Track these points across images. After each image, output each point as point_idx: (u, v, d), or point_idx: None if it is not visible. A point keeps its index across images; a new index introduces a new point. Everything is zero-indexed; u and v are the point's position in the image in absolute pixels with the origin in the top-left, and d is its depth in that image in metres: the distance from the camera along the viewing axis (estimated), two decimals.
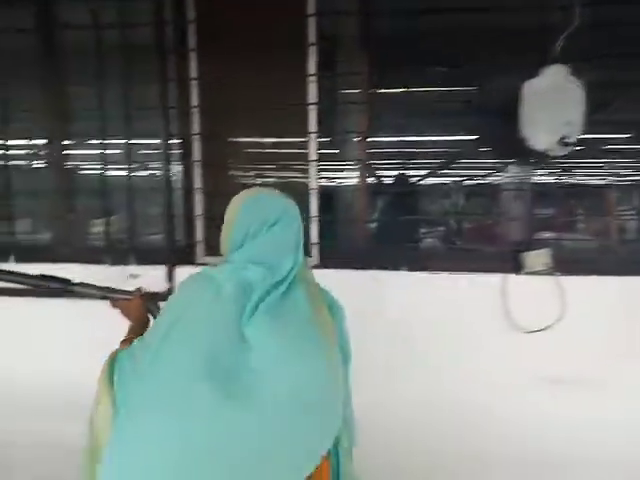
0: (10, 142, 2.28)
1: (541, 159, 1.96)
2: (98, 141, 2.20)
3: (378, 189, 2.28)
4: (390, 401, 2.01)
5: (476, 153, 2.30)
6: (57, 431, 1.85)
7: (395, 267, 2.05)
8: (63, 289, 1.27)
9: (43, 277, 1.26)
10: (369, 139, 2.13)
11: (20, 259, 2.27)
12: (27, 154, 2.41)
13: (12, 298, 2.15)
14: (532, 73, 1.85)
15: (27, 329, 2.21)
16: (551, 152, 1.84)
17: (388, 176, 2.33)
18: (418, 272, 2.04)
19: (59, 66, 2.27)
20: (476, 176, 2.36)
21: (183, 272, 2.09)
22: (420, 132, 2.24)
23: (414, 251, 2.25)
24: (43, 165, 2.40)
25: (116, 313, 1.25)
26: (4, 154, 2.27)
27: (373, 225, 2.24)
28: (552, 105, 1.75)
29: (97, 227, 2.40)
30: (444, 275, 2.02)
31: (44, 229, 2.46)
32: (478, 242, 2.38)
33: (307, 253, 2.15)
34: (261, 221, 1.05)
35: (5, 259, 2.24)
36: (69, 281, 1.28)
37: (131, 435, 0.83)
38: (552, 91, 1.74)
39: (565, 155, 1.87)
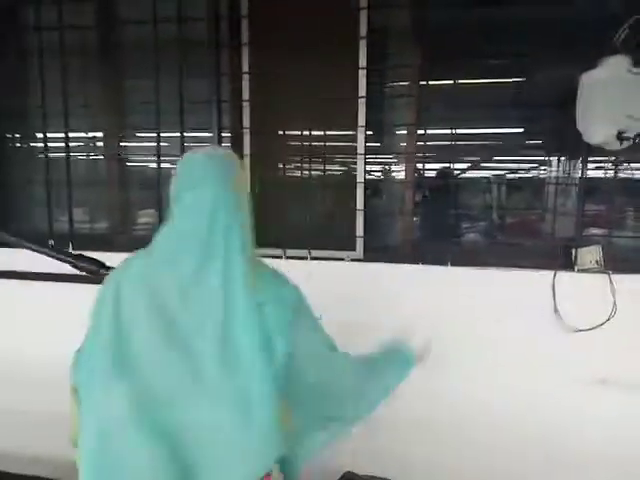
0: (70, 135, 2.37)
1: (594, 153, 1.92)
2: (152, 134, 2.27)
3: (424, 183, 2.27)
4: (433, 398, 2.02)
5: (524, 146, 2.26)
6: None
7: (439, 262, 2.05)
8: (96, 272, 1.31)
9: (80, 257, 1.33)
10: (417, 132, 2.13)
11: (78, 247, 2.38)
12: (85, 146, 2.51)
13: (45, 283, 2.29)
14: (589, 64, 1.81)
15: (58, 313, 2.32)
16: (607, 146, 1.80)
17: (434, 169, 2.32)
18: (462, 267, 2.03)
19: (117, 61, 2.37)
20: (522, 169, 2.32)
21: None
22: (468, 125, 2.21)
23: (458, 246, 2.24)
24: (100, 157, 2.51)
25: None
26: (65, 146, 2.36)
27: (418, 219, 2.23)
28: (612, 97, 1.70)
29: (150, 217, 2.50)
30: (489, 271, 2.01)
31: (101, 219, 2.57)
32: (522, 237, 2.34)
33: (350, 246, 2.18)
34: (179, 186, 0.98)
35: (65, 247, 2.35)
36: (103, 264, 1.32)
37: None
38: (612, 83, 1.69)
39: (619, 150, 1.82)
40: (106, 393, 0.91)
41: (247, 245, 1.00)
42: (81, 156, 2.51)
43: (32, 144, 2.62)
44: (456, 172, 2.24)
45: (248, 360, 0.92)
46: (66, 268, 1.42)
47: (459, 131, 2.13)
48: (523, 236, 2.37)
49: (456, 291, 2.01)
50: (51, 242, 2.37)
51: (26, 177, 2.57)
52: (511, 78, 2.19)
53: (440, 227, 2.26)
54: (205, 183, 0.96)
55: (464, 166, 2.28)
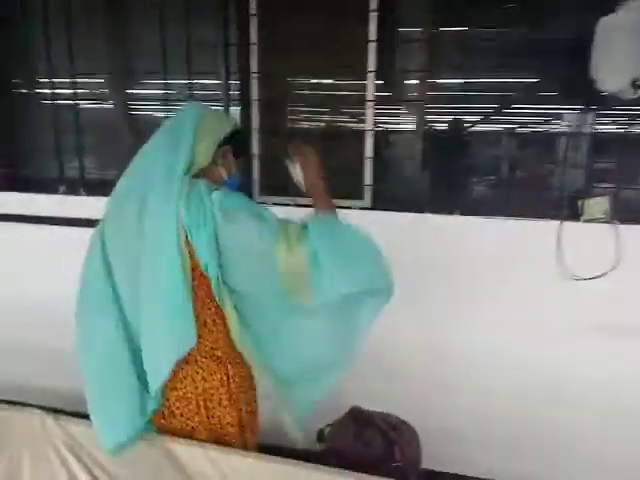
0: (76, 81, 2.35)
1: (609, 103, 1.88)
2: (159, 81, 2.24)
3: (433, 133, 2.25)
4: (436, 347, 2.09)
5: (536, 97, 2.21)
6: None
7: (448, 211, 2.06)
8: None
9: None
10: (427, 80, 2.09)
11: (89, 192, 2.41)
12: (91, 93, 2.49)
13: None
14: (608, 9, 1.75)
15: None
16: (621, 95, 1.76)
17: (444, 120, 2.29)
18: (470, 216, 2.04)
19: (123, 7, 2.31)
20: (534, 122, 2.28)
21: None
22: (480, 74, 2.16)
23: (467, 195, 2.24)
24: (107, 104, 2.50)
25: None
26: (73, 93, 2.35)
27: (427, 169, 2.22)
28: (629, 43, 1.65)
29: None
30: (498, 220, 2.02)
31: (109, 165, 2.58)
32: (531, 190, 2.33)
33: (358, 195, 2.19)
34: None
35: (76, 192, 2.38)
36: None
37: None
38: (631, 28, 1.65)
39: (634, 99, 1.79)
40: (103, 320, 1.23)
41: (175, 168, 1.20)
42: (87, 103, 2.49)
43: (38, 90, 2.60)
44: (467, 124, 2.20)
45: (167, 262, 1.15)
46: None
47: (471, 81, 2.08)
48: (532, 188, 2.36)
49: (463, 240, 2.03)
50: (62, 188, 2.40)
51: (34, 123, 2.57)
52: (525, 25, 2.12)
53: (449, 178, 2.25)
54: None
55: (475, 118, 2.24)
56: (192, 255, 1.16)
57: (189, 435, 1.23)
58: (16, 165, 2.59)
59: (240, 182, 1.41)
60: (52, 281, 2.34)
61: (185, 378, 1.22)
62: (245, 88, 2.19)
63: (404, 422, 1.63)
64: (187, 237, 1.15)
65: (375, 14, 1.99)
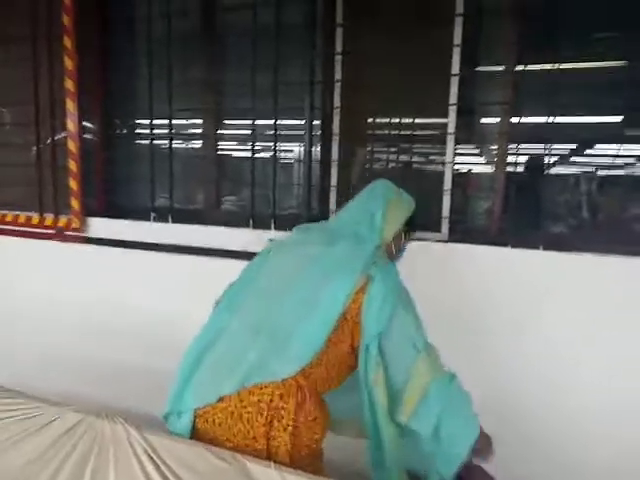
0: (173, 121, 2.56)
1: None
2: (247, 120, 2.38)
3: (514, 168, 2.19)
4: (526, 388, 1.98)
5: (622, 136, 2.09)
6: None
7: (530, 246, 1.98)
8: None
9: None
10: (509, 118, 2.06)
11: (176, 220, 2.57)
12: (185, 132, 2.69)
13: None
14: None
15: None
16: None
17: (525, 155, 2.23)
18: (555, 251, 1.95)
19: (217, 46, 2.51)
20: (618, 164, 2.15)
21: None
22: (563, 112, 2.08)
23: (550, 231, 2.14)
24: (199, 140, 2.69)
25: None
26: (169, 130, 2.55)
27: (507, 204, 2.16)
28: None
29: (242, 195, 2.63)
30: (584, 256, 1.90)
31: (195, 197, 2.75)
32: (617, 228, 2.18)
33: (435, 228, 2.17)
34: None
35: (165, 220, 2.55)
36: None
37: None
38: None
39: None
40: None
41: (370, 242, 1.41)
42: (180, 141, 2.69)
43: (137, 128, 2.85)
44: (548, 161, 2.13)
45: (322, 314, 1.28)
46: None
47: (554, 119, 2.02)
48: (617, 227, 2.21)
49: (546, 276, 1.93)
50: (153, 215, 2.58)
51: (130, 158, 2.81)
52: (613, 60, 2.04)
53: (531, 213, 2.17)
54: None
55: (559, 154, 2.16)
56: (354, 319, 1.29)
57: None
58: (113, 194, 2.82)
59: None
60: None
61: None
62: (327, 122, 2.27)
63: None
64: (361, 305, 1.28)
65: (458, 49, 2.01)
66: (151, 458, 1.25)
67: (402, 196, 1.57)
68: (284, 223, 2.33)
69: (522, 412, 1.93)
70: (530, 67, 2.04)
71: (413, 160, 2.22)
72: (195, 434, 1.32)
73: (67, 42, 2.56)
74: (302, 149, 2.34)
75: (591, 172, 2.12)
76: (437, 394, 1.26)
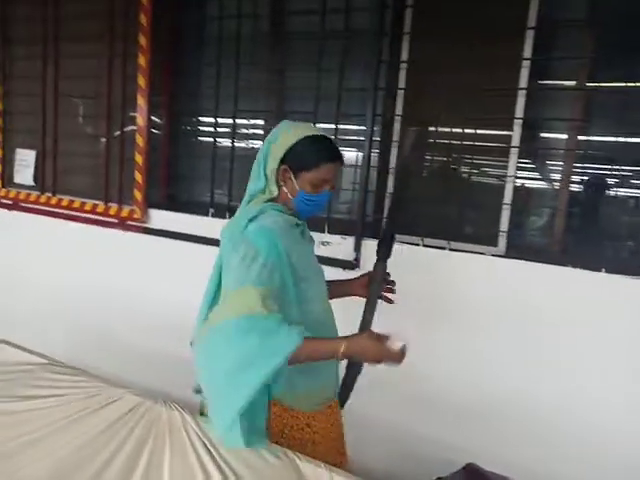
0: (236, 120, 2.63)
1: None
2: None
3: (578, 186, 2.13)
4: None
5: None
6: None
7: (592, 267, 1.92)
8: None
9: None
10: (577, 135, 2.01)
11: (216, 215, 2.64)
12: (247, 133, 2.76)
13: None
14: None
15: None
16: None
17: (591, 172, 2.16)
18: (618, 275, 1.88)
19: (282, 49, 2.57)
20: None
21: (369, 244, 2.24)
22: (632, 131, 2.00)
23: (614, 253, 2.07)
24: (259, 141, 2.75)
25: None
26: (232, 130, 2.62)
27: (569, 223, 2.10)
28: None
29: None
30: None
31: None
32: None
33: (492, 242, 2.13)
34: None
35: (222, 216, 2.62)
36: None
37: None
38: None
39: None
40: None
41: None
42: (241, 139, 2.76)
43: (201, 126, 2.95)
44: (614, 181, 2.06)
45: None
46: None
47: (621, 139, 1.96)
48: None
49: (609, 300, 1.87)
50: (212, 210, 2.66)
51: (192, 154, 2.91)
52: None
53: (594, 233, 2.11)
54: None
55: (624, 175, 2.09)
56: None
57: None
58: (174, 188, 2.93)
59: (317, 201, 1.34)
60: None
61: None
62: (387, 130, 2.28)
63: None
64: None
65: (528, 63, 1.98)
66: (205, 446, 1.30)
67: (293, 128, 1.33)
68: (338, 227, 2.35)
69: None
70: (602, 84, 1.99)
71: (473, 171, 2.20)
72: None
73: (142, 41, 2.68)
74: (360, 155, 2.36)
75: None
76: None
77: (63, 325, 3.04)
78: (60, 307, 3.11)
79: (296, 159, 1.30)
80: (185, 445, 1.32)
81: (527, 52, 1.98)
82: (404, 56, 2.19)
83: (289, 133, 1.31)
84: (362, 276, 1.60)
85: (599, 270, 1.89)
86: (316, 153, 1.30)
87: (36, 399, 1.52)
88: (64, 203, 3.12)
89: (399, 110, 2.25)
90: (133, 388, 1.60)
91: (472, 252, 2.12)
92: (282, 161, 1.30)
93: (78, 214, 3.07)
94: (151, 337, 2.80)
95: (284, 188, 1.33)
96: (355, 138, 2.42)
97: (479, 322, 2.08)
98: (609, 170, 2.00)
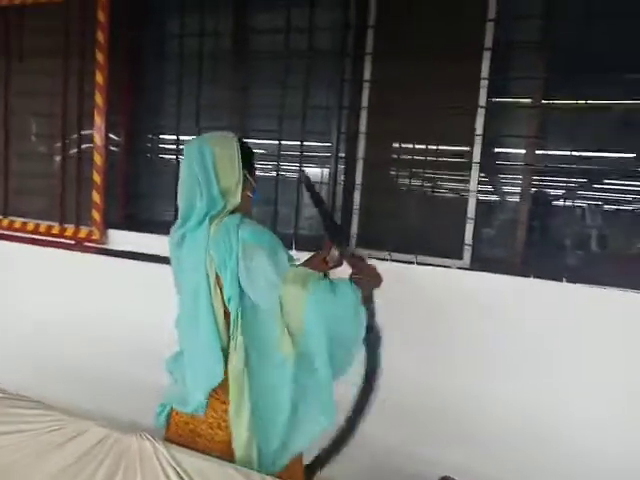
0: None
1: None
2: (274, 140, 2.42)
3: (537, 199, 2.21)
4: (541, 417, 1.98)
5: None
6: None
7: (553, 277, 1.99)
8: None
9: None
10: (535, 150, 2.10)
11: None
12: None
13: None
14: None
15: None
16: None
17: (549, 186, 2.25)
18: (580, 284, 1.96)
19: (246, 67, 2.57)
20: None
21: None
22: (584, 146, 2.11)
23: (573, 262, 2.16)
24: None
25: None
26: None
27: (530, 234, 2.17)
28: None
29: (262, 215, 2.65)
30: (608, 291, 1.91)
31: None
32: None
33: (457, 255, 2.18)
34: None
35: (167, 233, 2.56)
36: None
37: None
38: None
39: None
40: None
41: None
42: None
43: (160, 144, 2.90)
44: (571, 193, 2.15)
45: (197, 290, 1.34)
46: None
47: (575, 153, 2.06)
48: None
49: (572, 310, 1.94)
50: None
51: (152, 172, 2.85)
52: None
53: (553, 244, 2.19)
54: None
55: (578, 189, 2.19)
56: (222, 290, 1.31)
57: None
58: (133, 207, 2.85)
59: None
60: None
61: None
62: (351, 147, 2.31)
63: None
64: (217, 275, 1.30)
65: (486, 82, 2.06)
66: (178, 475, 1.25)
67: (221, 141, 1.39)
68: (305, 244, 2.34)
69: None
70: (556, 101, 2.09)
71: (437, 186, 2.25)
72: None
73: (100, 57, 2.62)
74: (325, 171, 2.38)
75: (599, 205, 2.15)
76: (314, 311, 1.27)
77: (17, 353, 2.88)
78: (13, 334, 2.95)
79: (246, 161, 1.40)
80: (158, 475, 1.27)
81: (485, 72, 2.06)
82: (366, 75, 2.23)
83: (225, 144, 1.38)
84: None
85: (560, 280, 1.96)
86: (250, 150, 1.45)
87: None
88: (16, 225, 2.98)
89: (363, 127, 2.28)
90: (99, 419, 1.52)
91: (439, 265, 2.16)
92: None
93: (32, 236, 2.94)
94: (115, 362, 2.69)
95: (246, 193, 1.41)
96: (320, 154, 2.44)
97: (447, 333, 2.11)
98: (565, 183, 2.08)
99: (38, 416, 1.51)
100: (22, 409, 1.55)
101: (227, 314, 1.33)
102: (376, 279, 1.41)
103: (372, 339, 1.44)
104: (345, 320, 1.30)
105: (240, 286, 1.29)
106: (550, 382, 1.96)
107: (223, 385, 1.34)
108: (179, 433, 1.44)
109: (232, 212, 1.35)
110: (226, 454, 1.34)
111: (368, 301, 1.40)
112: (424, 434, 2.10)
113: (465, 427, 2.07)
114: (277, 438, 1.34)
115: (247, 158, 1.40)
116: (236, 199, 1.35)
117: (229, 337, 1.33)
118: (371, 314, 1.41)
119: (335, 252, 1.61)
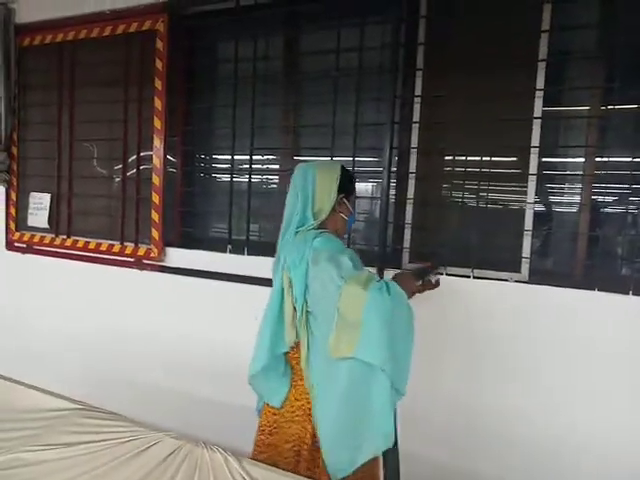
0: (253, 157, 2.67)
1: None
2: (325, 157, 2.46)
3: (598, 210, 2.15)
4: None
5: None
6: None
7: (620, 290, 1.92)
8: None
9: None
10: (595, 158, 2.05)
11: (251, 253, 2.65)
12: (263, 168, 2.81)
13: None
14: None
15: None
16: None
17: (610, 194, 2.19)
18: None
19: (297, 88, 2.64)
20: None
21: (390, 274, 2.24)
22: None
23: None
24: (274, 176, 2.80)
25: None
26: (249, 167, 2.67)
27: (592, 247, 2.11)
28: None
29: None
30: None
31: (270, 229, 2.85)
32: None
33: (515, 268, 2.14)
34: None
35: (240, 252, 2.64)
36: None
37: None
38: None
39: None
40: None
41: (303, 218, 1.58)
42: (258, 174, 2.80)
43: (215, 164, 3.00)
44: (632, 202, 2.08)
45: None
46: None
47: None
48: None
49: (637, 324, 1.87)
50: (229, 247, 2.68)
51: (208, 192, 2.95)
52: None
53: (618, 256, 2.12)
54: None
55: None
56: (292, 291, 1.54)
57: None
58: (190, 225, 2.95)
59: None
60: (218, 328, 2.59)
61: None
62: (404, 162, 2.33)
63: None
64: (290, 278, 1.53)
65: (541, 92, 2.04)
66: None
67: (326, 168, 1.66)
68: (360, 258, 2.36)
69: None
70: (614, 107, 2.04)
71: (492, 199, 2.22)
72: None
73: (158, 84, 2.75)
74: (377, 187, 2.40)
75: None
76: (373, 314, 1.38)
77: (81, 369, 3.01)
78: (77, 349, 3.09)
79: (345, 187, 1.63)
80: None
81: (540, 83, 2.04)
82: (417, 91, 2.25)
83: (328, 170, 1.63)
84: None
85: (626, 293, 1.89)
86: (352, 178, 1.70)
87: (71, 446, 1.50)
88: (79, 244, 3.14)
89: (414, 142, 2.30)
90: (169, 431, 1.58)
91: (496, 279, 2.13)
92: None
93: (94, 255, 3.08)
94: (174, 378, 2.78)
95: (340, 215, 1.64)
96: (371, 169, 2.47)
97: (499, 349, 2.08)
98: (627, 190, 2.01)
99: (112, 427, 1.58)
100: (97, 419, 1.62)
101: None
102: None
103: None
104: (400, 318, 1.43)
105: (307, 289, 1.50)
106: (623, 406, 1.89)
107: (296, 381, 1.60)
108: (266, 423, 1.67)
109: (320, 229, 1.57)
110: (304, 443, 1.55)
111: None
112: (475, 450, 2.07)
113: (524, 445, 2.02)
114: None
115: (347, 184, 1.63)
116: (323, 217, 1.59)
117: (296, 333, 1.55)
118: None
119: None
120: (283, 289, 1.56)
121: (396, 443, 1.55)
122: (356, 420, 1.42)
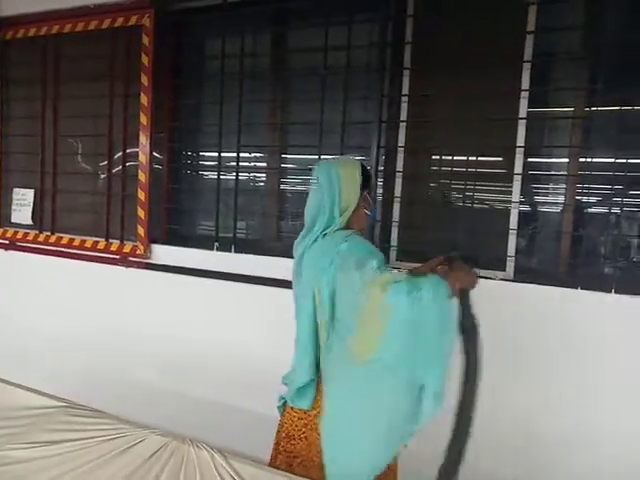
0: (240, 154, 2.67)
1: None
2: (314, 154, 2.46)
3: (582, 209, 2.19)
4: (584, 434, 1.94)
5: None
6: None
7: (602, 289, 1.96)
8: None
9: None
10: (579, 158, 2.08)
11: (238, 250, 2.64)
12: (250, 165, 2.80)
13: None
14: None
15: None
16: None
17: (594, 194, 2.22)
18: (629, 295, 1.92)
19: (285, 85, 2.63)
20: None
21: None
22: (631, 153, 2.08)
23: (623, 273, 2.12)
24: (261, 173, 2.79)
25: None
26: (236, 164, 2.66)
27: (576, 245, 2.15)
28: None
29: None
30: None
31: (257, 227, 2.84)
32: None
33: (500, 266, 2.17)
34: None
35: (228, 249, 2.63)
36: None
37: None
38: None
39: None
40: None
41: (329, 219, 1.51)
42: (245, 171, 2.79)
43: (202, 161, 2.99)
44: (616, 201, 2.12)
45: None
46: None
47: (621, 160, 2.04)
48: None
49: (619, 322, 1.91)
50: (216, 244, 2.67)
51: (194, 189, 2.93)
52: None
53: (600, 254, 2.15)
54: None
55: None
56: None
57: None
58: (177, 223, 2.93)
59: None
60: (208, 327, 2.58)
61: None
62: (391, 160, 2.34)
63: None
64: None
65: (526, 93, 2.06)
66: None
67: (348, 164, 1.58)
68: None
69: None
70: (598, 108, 2.07)
71: (478, 198, 2.25)
72: None
73: (145, 80, 2.73)
74: None
75: None
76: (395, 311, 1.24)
77: (67, 367, 2.97)
78: (61, 347, 3.05)
79: (366, 183, 1.57)
80: None
81: (525, 84, 2.07)
82: (405, 90, 2.26)
83: (350, 167, 1.55)
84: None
85: (608, 291, 1.93)
86: (369, 172, 1.64)
87: (56, 444, 1.49)
88: (64, 241, 3.10)
89: (402, 141, 2.31)
90: (154, 428, 1.57)
91: (481, 277, 2.15)
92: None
93: (78, 252, 3.05)
94: (162, 376, 2.76)
95: (364, 210, 1.58)
96: None
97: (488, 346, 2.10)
98: (611, 191, 2.05)
99: (98, 424, 1.57)
100: (82, 417, 1.61)
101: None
102: (467, 278, 1.39)
103: (468, 337, 1.34)
104: (429, 315, 1.25)
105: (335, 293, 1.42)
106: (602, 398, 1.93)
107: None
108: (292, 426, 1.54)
109: (346, 228, 1.52)
110: None
111: (462, 300, 1.35)
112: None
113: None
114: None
115: (366, 179, 1.58)
116: (349, 214, 1.52)
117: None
118: (465, 314, 1.34)
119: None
120: (313, 298, 1.48)
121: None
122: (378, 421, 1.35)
